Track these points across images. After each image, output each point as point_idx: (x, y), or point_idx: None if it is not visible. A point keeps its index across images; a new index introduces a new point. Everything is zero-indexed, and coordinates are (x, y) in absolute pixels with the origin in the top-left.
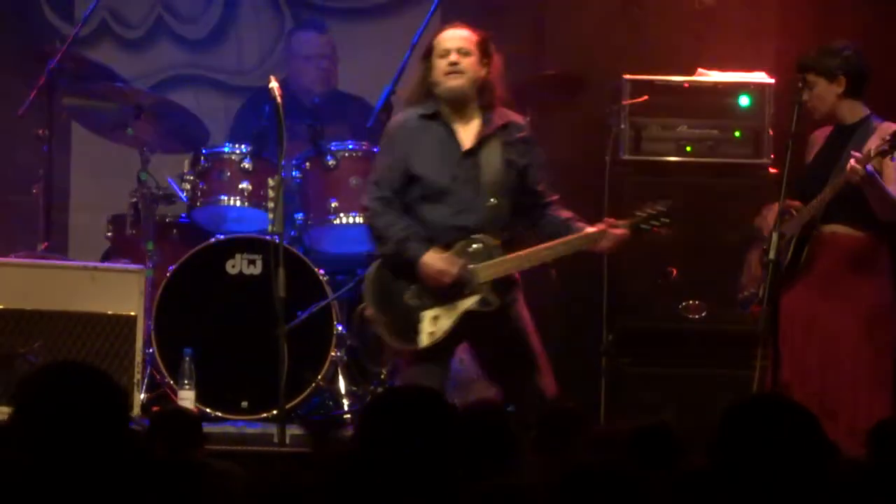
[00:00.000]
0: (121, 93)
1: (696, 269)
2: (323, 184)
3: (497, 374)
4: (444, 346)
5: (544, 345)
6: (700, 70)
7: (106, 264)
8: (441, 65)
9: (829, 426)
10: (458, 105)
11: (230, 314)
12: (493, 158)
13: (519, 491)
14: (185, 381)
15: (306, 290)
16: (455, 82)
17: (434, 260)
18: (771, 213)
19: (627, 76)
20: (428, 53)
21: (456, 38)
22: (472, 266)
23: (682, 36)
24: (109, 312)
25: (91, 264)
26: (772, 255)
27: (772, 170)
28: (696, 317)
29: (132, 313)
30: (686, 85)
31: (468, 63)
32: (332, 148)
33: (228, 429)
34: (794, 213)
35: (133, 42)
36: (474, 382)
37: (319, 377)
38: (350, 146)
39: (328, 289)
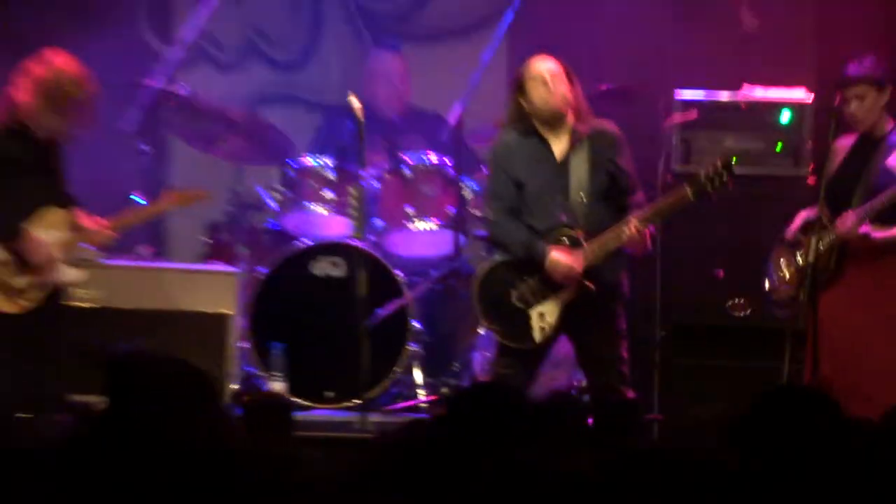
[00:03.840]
0: (216, 110)
1: (741, 270)
2: (400, 193)
3: (585, 364)
4: (550, 341)
5: None
6: (745, 85)
7: (203, 267)
8: (540, 90)
9: (866, 407)
10: (555, 122)
11: (316, 312)
12: (581, 164)
13: (579, 475)
14: (276, 373)
15: (384, 289)
16: (556, 103)
17: (561, 257)
18: (800, 220)
19: (679, 93)
20: (520, 81)
21: (548, 67)
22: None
23: (727, 54)
24: (206, 311)
25: (189, 267)
26: (811, 258)
27: (810, 181)
28: (741, 314)
29: (227, 312)
30: (732, 102)
31: (562, 88)
32: (409, 160)
33: (315, 417)
34: (824, 220)
35: (227, 64)
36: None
37: (397, 369)
38: (424, 159)
39: (405, 289)
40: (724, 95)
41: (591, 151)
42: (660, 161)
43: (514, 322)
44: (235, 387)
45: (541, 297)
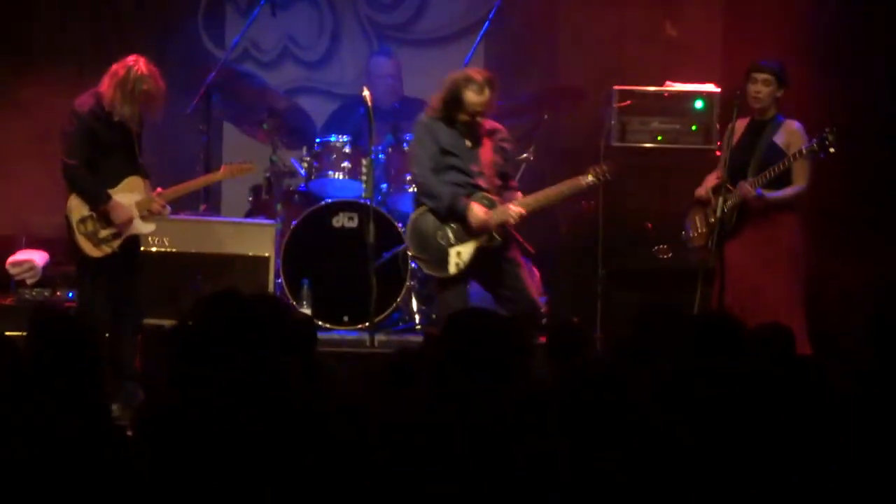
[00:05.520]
0: (260, 94)
1: (664, 224)
2: (400, 163)
3: (499, 295)
4: (463, 274)
5: (555, 279)
6: (668, 82)
7: (247, 220)
8: (473, 94)
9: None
10: (473, 118)
11: (335, 255)
12: (487, 150)
13: (539, 394)
14: (304, 303)
15: (389, 238)
16: (482, 106)
17: (480, 210)
18: (708, 183)
19: (616, 87)
20: (458, 83)
21: (485, 77)
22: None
23: (654, 55)
24: (250, 254)
25: (236, 220)
26: (718, 215)
27: (717, 153)
28: (664, 257)
29: (266, 255)
30: (657, 92)
31: (490, 95)
32: (407, 138)
33: (334, 336)
34: (727, 185)
35: (266, 63)
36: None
37: (398, 299)
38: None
39: (404, 237)
40: (651, 88)
41: (493, 142)
42: (601, 139)
43: (436, 255)
44: None
45: (459, 239)
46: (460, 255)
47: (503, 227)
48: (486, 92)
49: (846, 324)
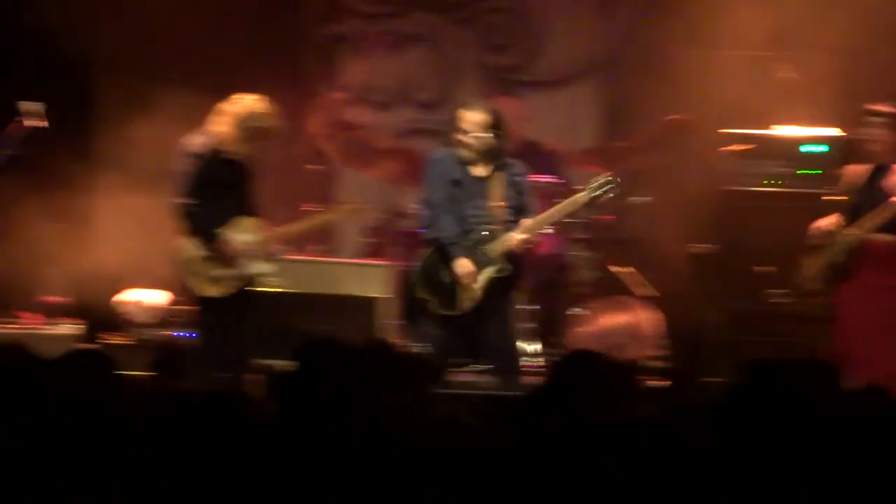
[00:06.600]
0: (371, 141)
1: (779, 268)
2: None
3: (487, 336)
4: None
5: (671, 320)
6: (772, 126)
7: (362, 261)
8: (468, 117)
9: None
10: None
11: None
12: (498, 181)
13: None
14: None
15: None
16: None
17: (464, 265)
18: (824, 226)
19: (727, 130)
20: (461, 104)
21: (478, 105)
22: (487, 245)
23: (768, 97)
24: (364, 295)
25: (351, 261)
26: (833, 258)
27: (834, 197)
28: (779, 301)
29: (380, 296)
30: (773, 135)
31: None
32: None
33: (462, 379)
34: (842, 229)
35: (380, 103)
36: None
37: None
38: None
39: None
40: (766, 131)
41: (507, 175)
42: (710, 180)
43: (446, 294)
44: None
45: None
46: (471, 289)
47: (510, 255)
48: (484, 114)
49: None
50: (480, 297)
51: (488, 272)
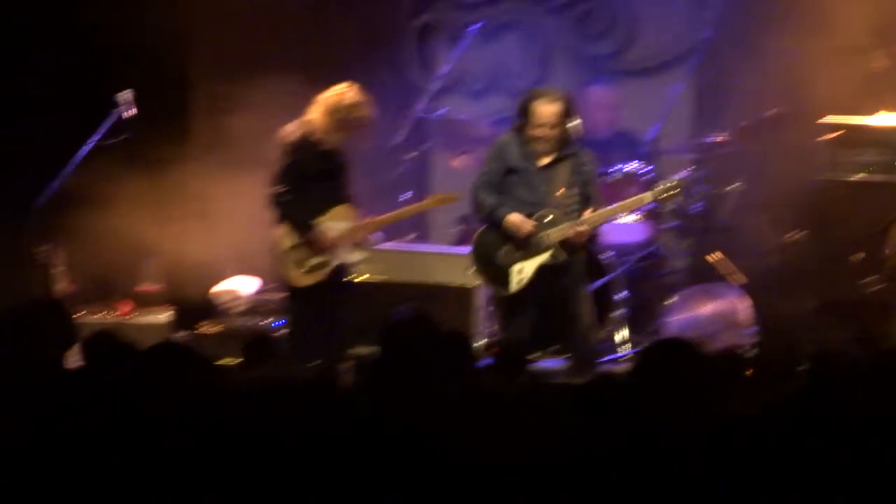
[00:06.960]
0: (463, 126)
1: (874, 256)
2: (607, 194)
3: (554, 319)
4: (525, 294)
5: (763, 308)
6: (881, 111)
7: (455, 250)
8: (544, 109)
9: None
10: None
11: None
12: (562, 170)
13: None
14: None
15: (596, 268)
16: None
17: (516, 218)
18: None
19: (828, 118)
20: (535, 95)
21: (556, 98)
22: (544, 231)
23: (864, 85)
24: (457, 284)
25: (444, 249)
26: None
27: None
28: (873, 289)
29: (473, 285)
30: (870, 124)
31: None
32: (615, 170)
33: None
34: None
35: (475, 92)
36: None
37: (606, 328)
38: (629, 168)
39: (612, 267)
40: (863, 120)
41: (573, 164)
42: (806, 169)
43: (497, 273)
44: (485, 340)
45: (521, 256)
46: (522, 272)
47: (567, 243)
48: (558, 105)
49: None
50: (530, 280)
51: (543, 257)
